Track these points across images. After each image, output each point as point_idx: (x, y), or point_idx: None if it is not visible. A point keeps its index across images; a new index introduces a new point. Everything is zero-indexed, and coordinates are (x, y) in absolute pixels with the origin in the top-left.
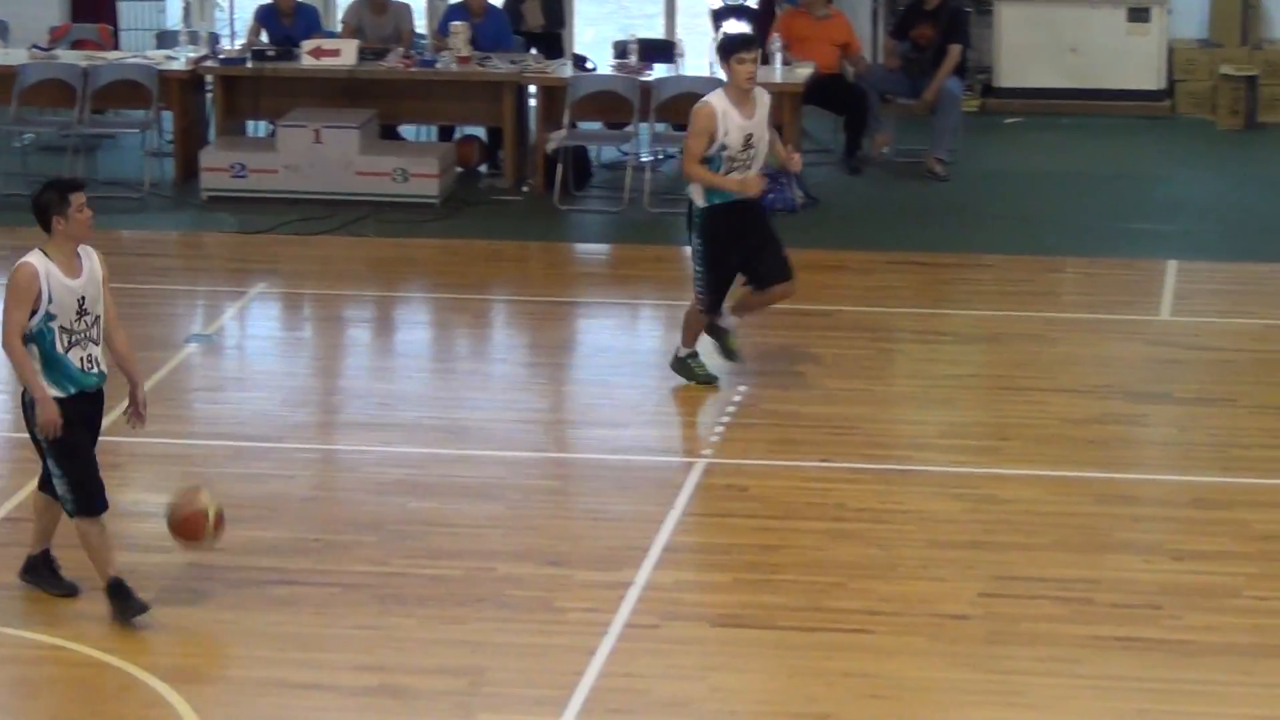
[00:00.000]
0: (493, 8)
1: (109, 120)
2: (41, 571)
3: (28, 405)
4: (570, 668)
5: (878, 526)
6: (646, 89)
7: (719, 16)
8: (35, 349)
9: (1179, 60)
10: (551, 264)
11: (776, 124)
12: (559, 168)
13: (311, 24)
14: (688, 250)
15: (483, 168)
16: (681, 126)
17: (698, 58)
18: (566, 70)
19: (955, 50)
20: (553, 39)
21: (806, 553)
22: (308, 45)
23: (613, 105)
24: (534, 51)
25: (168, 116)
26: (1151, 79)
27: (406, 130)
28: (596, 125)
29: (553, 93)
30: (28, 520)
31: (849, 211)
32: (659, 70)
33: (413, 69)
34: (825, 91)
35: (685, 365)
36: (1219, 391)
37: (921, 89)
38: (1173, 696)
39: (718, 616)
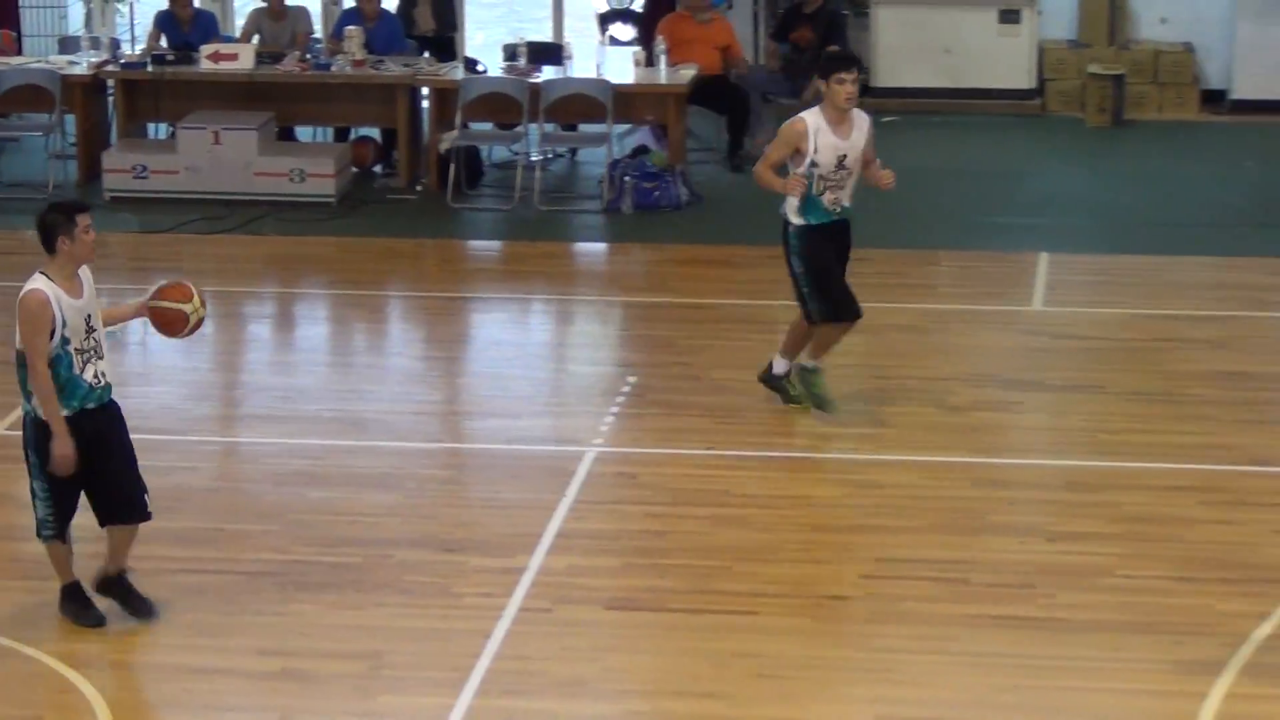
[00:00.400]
0: (386, 12)
1: (13, 124)
2: (114, 591)
3: (30, 424)
4: (467, 650)
5: (762, 512)
6: (535, 90)
7: (605, 20)
8: (50, 374)
9: (1049, 60)
10: (445, 260)
11: (662, 123)
12: (451, 167)
13: (209, 29)
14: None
15: (378, 168)
16: (571, 126)
17: (585, 60)
18: (458, 73)
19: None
20: (444, 42)
21: (694, 537)
22: (206, 50)
23: (503, 106)
24: (426, 55)
25: (70, 120)
26: (1022, 78)
27: (303, 132)
28: (487, 125)
29: (445, 94)
30: None
31: (732, 208)
32: (547, 72)
33: (309, 72)
34: (708, 92)
35: (806, 378)
36: (1089, 379)
37: (801, 89)
38: (1045, 672)
39: (609, 600)
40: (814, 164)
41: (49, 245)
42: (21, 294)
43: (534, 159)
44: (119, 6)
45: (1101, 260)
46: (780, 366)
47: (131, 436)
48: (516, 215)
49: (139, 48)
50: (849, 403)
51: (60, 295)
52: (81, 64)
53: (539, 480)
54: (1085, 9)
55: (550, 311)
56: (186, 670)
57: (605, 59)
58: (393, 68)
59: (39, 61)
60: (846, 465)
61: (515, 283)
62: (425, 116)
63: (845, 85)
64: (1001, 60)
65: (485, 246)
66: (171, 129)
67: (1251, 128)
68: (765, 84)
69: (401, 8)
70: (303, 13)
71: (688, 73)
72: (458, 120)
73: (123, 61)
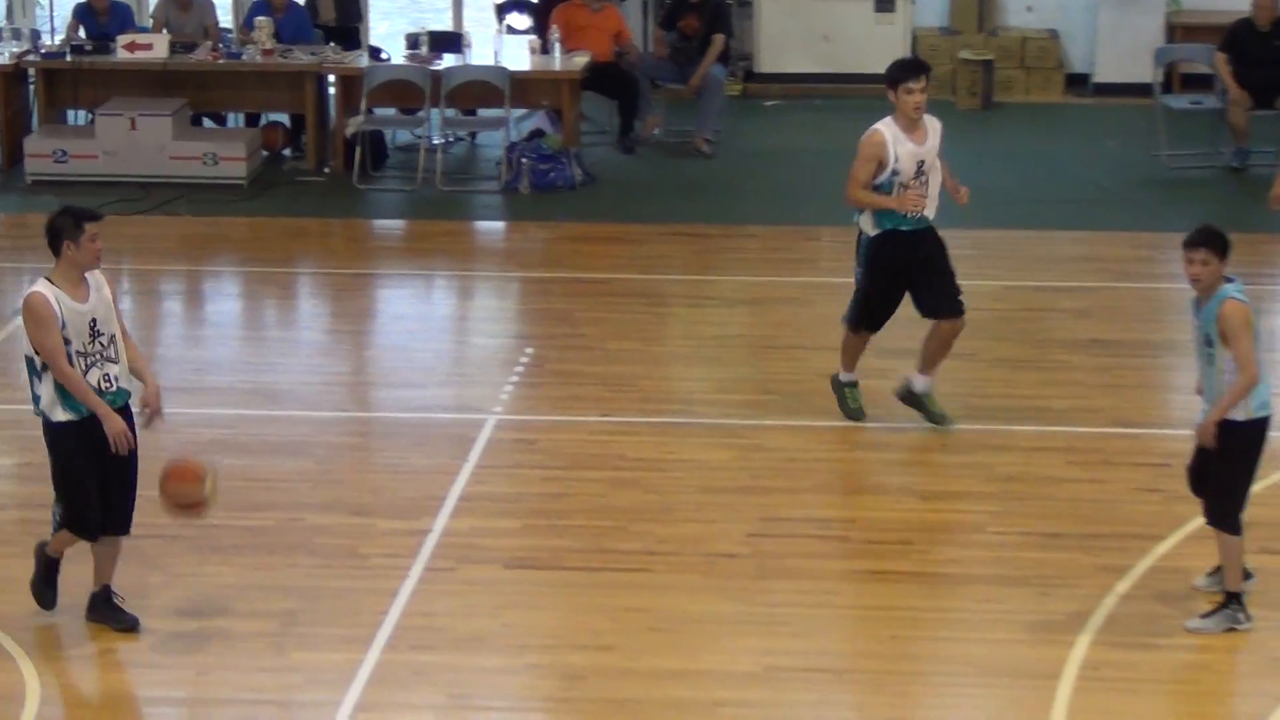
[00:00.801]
0: (293, 4)
1: None
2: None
3: (48, 427)
4: (375, 608)
5: (655, 474)
6: (437, 77)
7: (503, 10)
8: (52, 375)
9: (922, 46)
10: (352, 239)
11: (557, 108)
12: (357, 150)
13: (125, 20)
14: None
15: (287, 151)
16: (471, 111)
17: (483, 48)
18: (363, 61)
19: (719, 39)
20: (349, 32)
21: (590, 499)
22: (122, 40)
23: (406, 92)
24: (332, 44)
25: None
26: None
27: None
28: (391, 111)
29: (350, 81)
30: None
31: (624, 188)
32: (448, 60)
33: (220, 61)
34: (600, 78)
35: (840, 390)
36: (962, 347)
37: (688, 75)
38: (922, 624)
39: (509, 559)
40: (895, 173)
41: (55, 248)
42: (24, 298)
43: (435, 142)
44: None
45: (973, 235)
46: (919, 384)
47: None
48: (419, 196)
49: (58, 38)
50: (736, 369)
51: (61, 297)
52: (3, 54)
53: (442, 447)
54: None
55: (452, 287)
56: (108, 631)
57: (503, 47)
58: (300, 56)
59: None
60: (734, 430)
61: (418, 260)
62: (331, 103)
63: (914, 95)
64: (877, 47)
65: (389, 225)
66: (90, 115)
67: (1112, 109)
68: (654, 70)
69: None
70: (208, 4)
71: (581, 60)
72: (363, 106)
73: (43, 51)
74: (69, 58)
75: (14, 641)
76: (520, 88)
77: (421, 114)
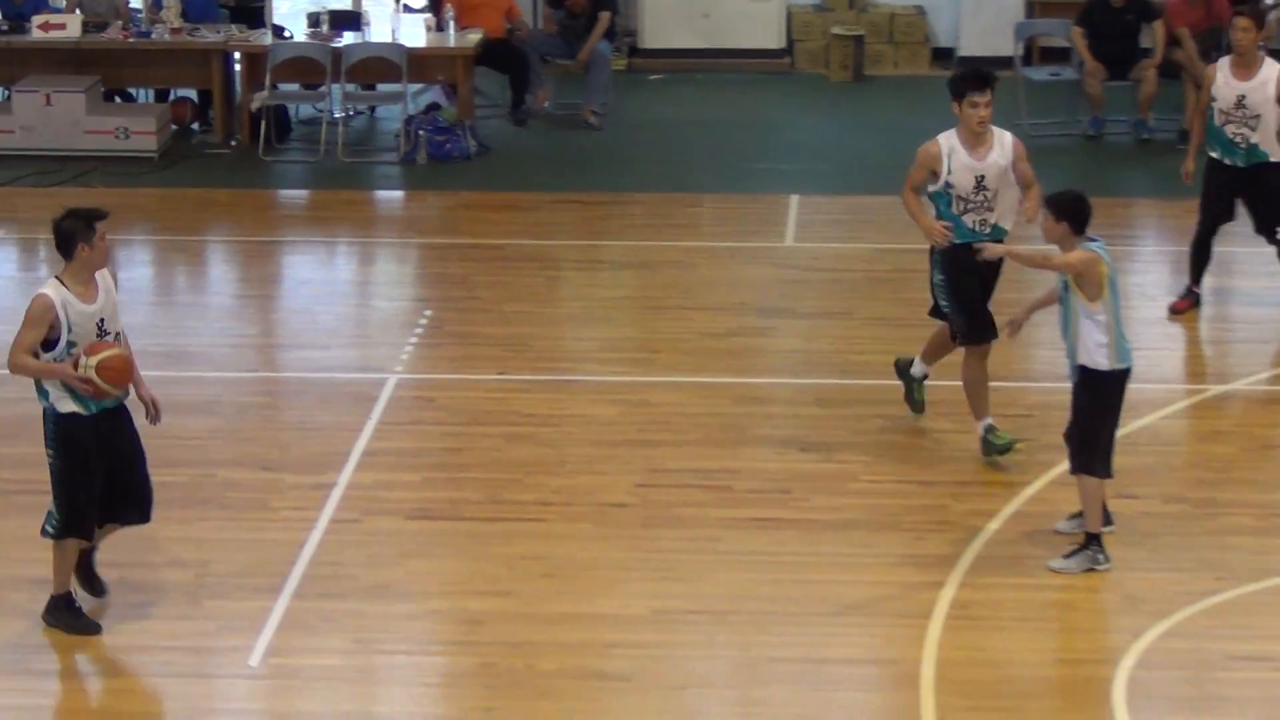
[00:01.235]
0: None
1: None
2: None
3: (48, 419)
4: (284, 558)
5: (548, 429)
6: (337, 54)
7: None
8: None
9: (796, 22)
10: (258, 208)
11: (452, 82)
12: (262, 124)
13: (40, 1)
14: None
15: (195, 125)
16: (370, 86)
17: (381, 25)
18: (266, 38)
19: (605, 16)
20: (253, 11)
21: (487, 454)
22: (37, 20)
23: (308, 68)
24: (237, 23)
25: None
26: (773, 39)
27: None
28: (294, 86)
29: (255, 58)
30: None
31: (516, 158)
32: (348, 37)
33: (131, 39)
34: (493, 54)
35: (909, 381)
36: (836, 306)
37: (576, 51)
38: (801, 567)
39: (411, 511)
40: (949, 185)
41: (67, 251)
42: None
43: (337, 116)
44: None
45: (846, 200)
46: (918, 369)
47: None
48: (321, 167)
49: None
50: (624, 329)
51: (70, 300)
52: None
53: (346, 405)
54: None
55: (354, 253)
56: (29, 582)
57: (400, 25)
58: (207, 35)
59: None
60: (622, 386)
61: (322, 227)
62: (237, 79)
63: (978, 109)
64: (754, 23)
65: (294, 195)
66: (6, 92)
67: None
68: (543, 46)
69: None
70: None
71: (474, 36)
72: (267, 81)
73: None
74: None
75: None
76: (417, 63)
77: (323, 89)
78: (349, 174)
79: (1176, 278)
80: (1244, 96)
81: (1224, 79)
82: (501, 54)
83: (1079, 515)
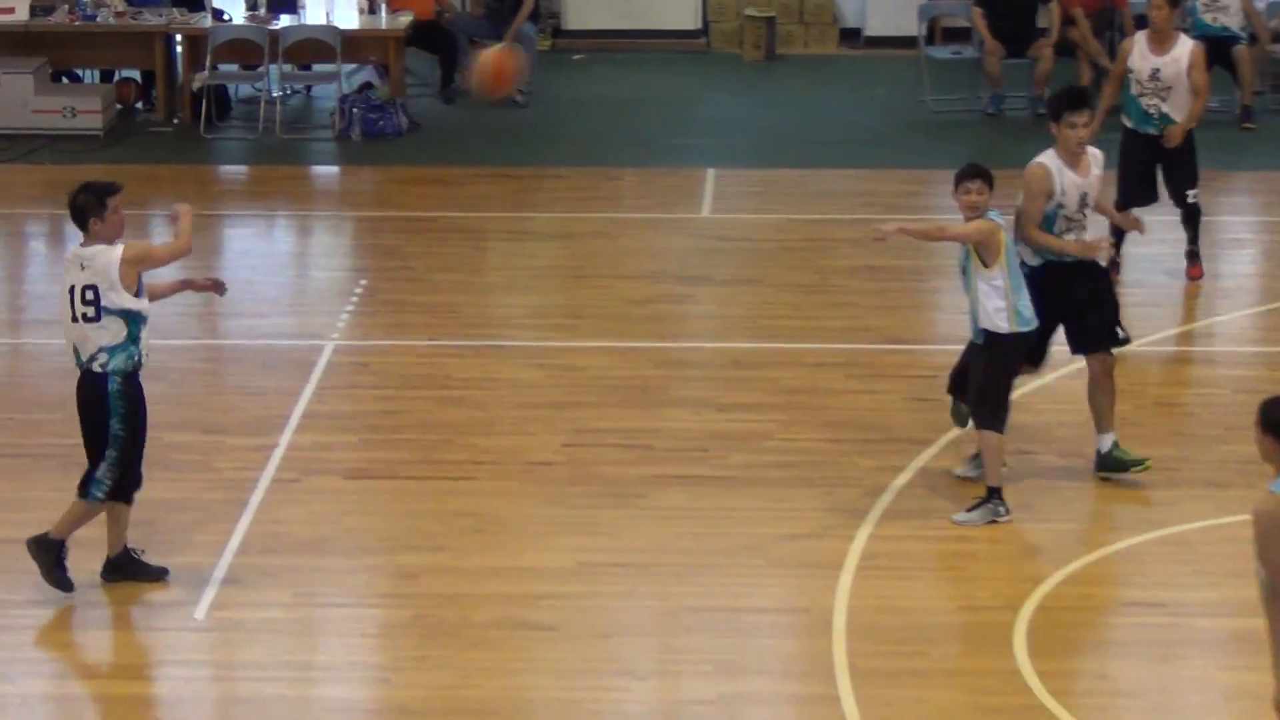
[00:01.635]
0: None
1: None
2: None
3: (114, 392)
4: (227, 517)
5: (478, 392)
6: (275, 35)
7: None
8: (127, 331)
9: (712, 4)
10: (200, 183)
11: (384, 63)
12: (203, 103)
13: None
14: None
15: (139, 105)
16: (306, 66)
17: (316, 8)
18: (207, 21)
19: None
20: None
21: (420, 416)
22: None
23: (246, 50)
24: (178, 6)
25: None
26: (690, 20)
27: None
28: (234, 66)
29: (196, 40)
30: None
31: (446, 134)
32: (285, 20)
33: (77, 23)
34: (423, 36)
35: (1111, 459)
36: (751, 274)
37: (503, 32)
38: (720, 522)
39: (348, 470)
40: (1060, 205)
41: (82, 225)
42: (118, 252)
43: (274, 95)
44: None
45: (760, 174)
46: (1105, 443)
47: None
48: (260, 144)
49: None
50: (549, 297)
51: None
52: None
53: (286, 370)
54: None
55: (291, 226)
56: None
57: (334, 7)
58: (150, 18)
59: None
60: (547, 351)
61: (261, 201)
62: (179, 60)
63: (1077, 129)
64: (672, 5)
65: (234, 171)
66: None
67: (881, 60)
68: (471, 28)
69: None
70: None
71: (405, 19)
72: (207, 62)
73: None
74: None
75: None
76: (350, 44)
77: (261, 69)
78: (286, 150)
79: None
80: (1158, 70)
81: (1140, 53)
82: (431, 35)
83: (975, 458)
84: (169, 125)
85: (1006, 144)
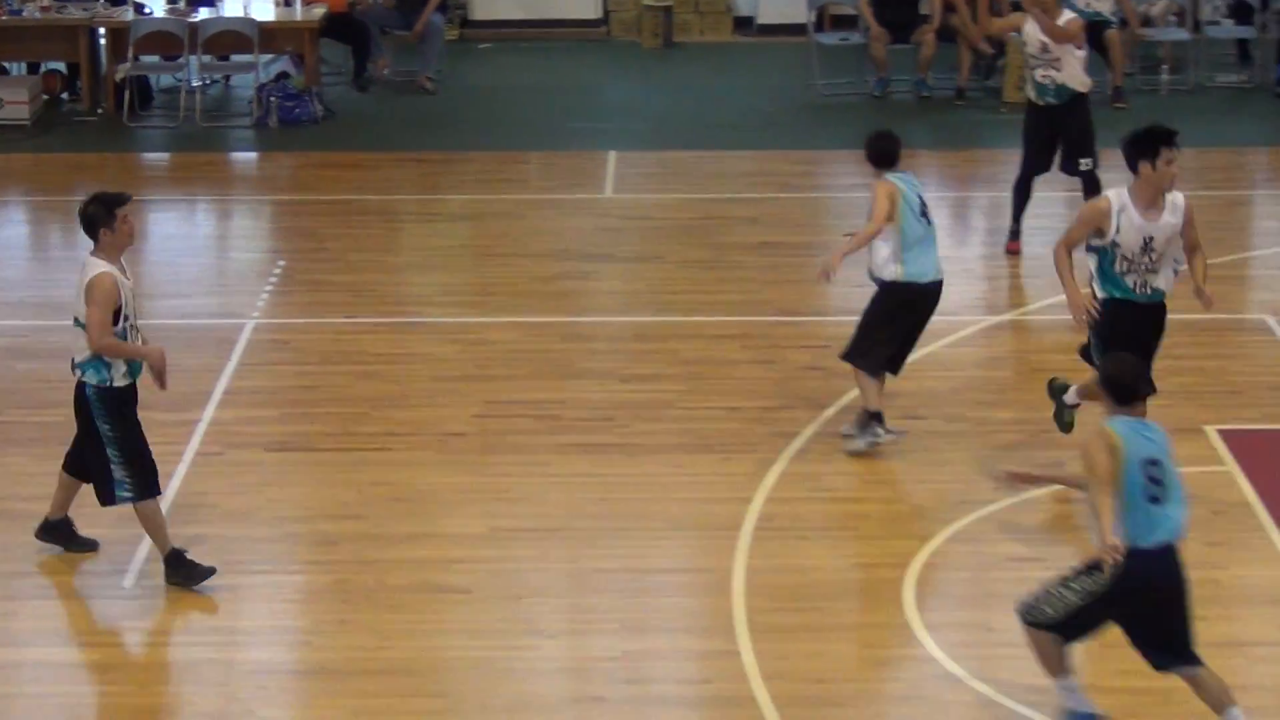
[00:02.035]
0: None
1: None
2: (62, 531)
3: (101, 396)
4: None
5: (393, 367)
6: (194, 28)
7: None
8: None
9: None
10: (124, 170)
11: (300, 53)
12: (126, 93)
13: None
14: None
15: (65, 95)
16: (224, 57)
17: (234, 1)
18: (129, 14)
19: None
20: None
21: (338, 390)
22: None
23: (167, 42)
24: (101, 0)
25: None
26: (590, 9)
27: None
28: (155, 58)
29: (119, 33)
30: None
31: (359, 121)
32: (204, 12)
33: (4, 17)
34: (336, 26)
35: (1061, 406)
36: (652, 251)
37: (413, 23)
38: (625, 488)
39: (270, 443)
40: (1115, 244)
41: (93, 235)
42: (91, 275)
43: (195, 85)
44: None
45: (659, 156)
46: (1071, 398)
47: None
48: (181, 132)
49: None
50: (461, 275)
51: (119, 278)
52: None
53: (208, 348)
54: None
55: (212, 210)
56: None
57: (251, 1)
58: (74, 12)
59: None
60: (459, 327)
61: (182, 187)
62: (103, 52)
63: (1173, 166)
64: None
65: (156, 158)
66: None
67: (773, 47)
68: (382, 18)
69: None
70: None
71: (319, 10)
72: (130, 54)
73: None
74: None
75: None
76: (267, 36)
77: (181, 60)
78: (206, 138)
79: (956, 220)
80: (1047, 43)
81: (1031, 27)
82: (344, 26)
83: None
84: (94, 115)
85: (891, 125)
